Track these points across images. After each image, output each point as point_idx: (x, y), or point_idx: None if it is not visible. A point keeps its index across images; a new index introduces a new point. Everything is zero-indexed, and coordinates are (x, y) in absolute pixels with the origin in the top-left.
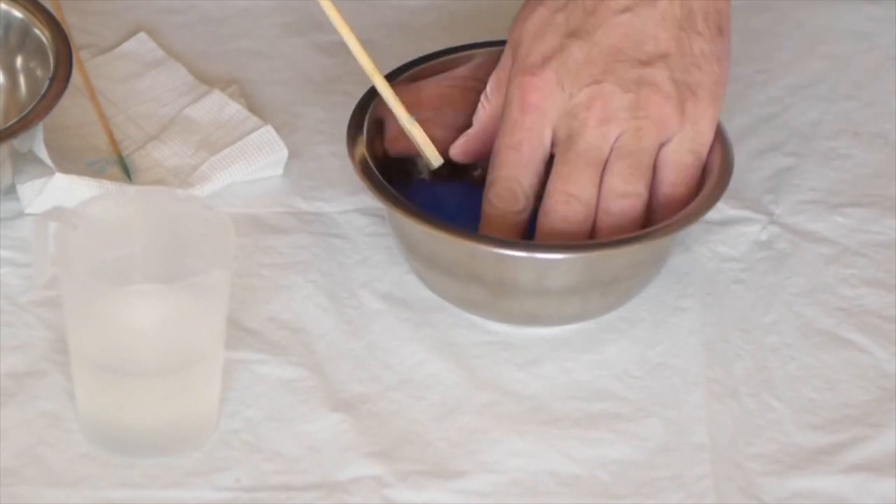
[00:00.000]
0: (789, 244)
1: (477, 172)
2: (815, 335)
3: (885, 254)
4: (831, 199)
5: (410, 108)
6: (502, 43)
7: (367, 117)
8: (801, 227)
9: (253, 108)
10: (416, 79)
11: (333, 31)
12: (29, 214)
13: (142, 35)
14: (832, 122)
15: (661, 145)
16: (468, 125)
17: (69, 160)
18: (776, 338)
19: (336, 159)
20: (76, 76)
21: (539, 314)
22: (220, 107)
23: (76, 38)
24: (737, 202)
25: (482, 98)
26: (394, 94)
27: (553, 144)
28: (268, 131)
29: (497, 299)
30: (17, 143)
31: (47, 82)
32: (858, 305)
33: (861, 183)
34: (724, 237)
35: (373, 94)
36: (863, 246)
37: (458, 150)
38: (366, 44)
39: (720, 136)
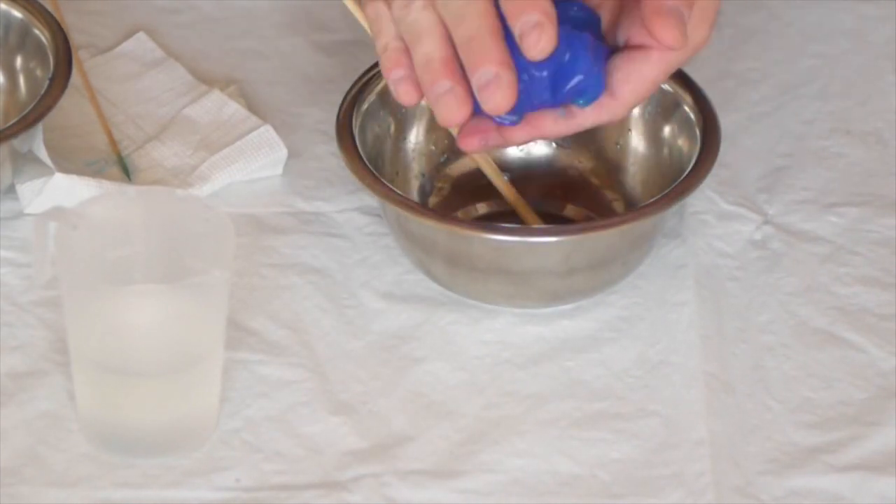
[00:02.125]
0: (783, 244)
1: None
2: (810, 334)
3: (880, 252)
4: (824, 198)
5: None
6: None
7: (356, 113)
8: (795, 227)
9: (252, 108)
10: None
11: (333, 30)
12: (29, 214)
13: (141, 35)
14: (825, 121)
15: None
16: None
17: (69, 160)
18: (771, 337)
19: (335, 159)
20: (76, 76)
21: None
22: (219, 107)
23: (75, 38)
24: (731, 198)
25: None
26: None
27: None
28: (267, 131)
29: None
30: (17, 143)
31: (47, 82)
32: (853, 304)
33: (854, 182)
34: (719, 231)
35: (357, 91)
36: (857, 244)
37: None
38: (365, 44)
39: (708, 111)
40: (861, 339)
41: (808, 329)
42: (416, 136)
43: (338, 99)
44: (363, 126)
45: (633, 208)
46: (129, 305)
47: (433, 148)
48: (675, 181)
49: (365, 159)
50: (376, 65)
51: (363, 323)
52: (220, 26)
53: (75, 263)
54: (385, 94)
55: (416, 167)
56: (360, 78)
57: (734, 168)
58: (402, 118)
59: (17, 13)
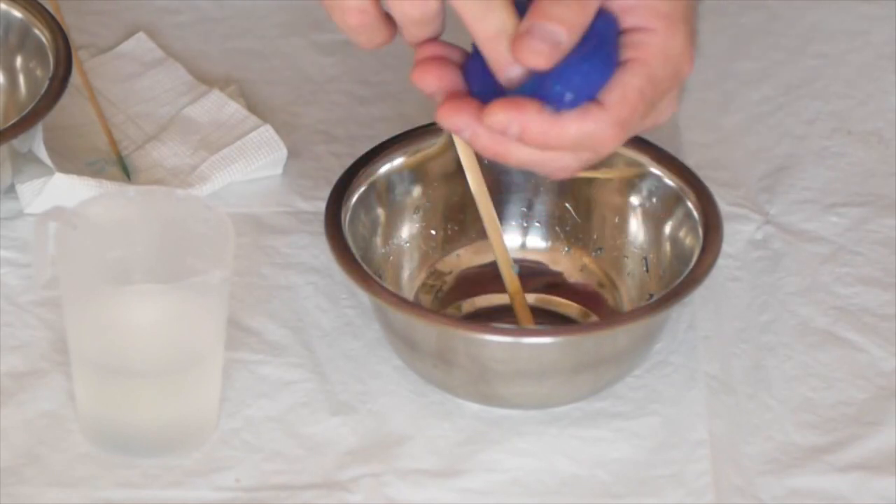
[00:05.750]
0: (784, 244)
1: None
2: (811, 334)
3: (881, 252)
4: (825, 198)
5: None
6: None
7: (347, 203)
8: (796, 227)
9: (252, 108)
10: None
11: (333, 30)
12: (29, 214)
13: (141, 35)
14: (826, 121)
15: None
16: None
17: (69, 160)
18: (772, 337)
19: (335, 158)
20: (76, 76)
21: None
22: (219, 106)
23: (75, 38)
24: (732, 198)
25: None
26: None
27: None
28: (267, 131)
29: (477, 383)
30: (16, 143)
31: (47, 82)
32: (854, 304)
33: (855, 181)
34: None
35: (351, 174)
36: (858, 244)
37: None
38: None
39: (711, 207)
40: (862, 339)
41: (809, 329)
42: (408, 229)
43: (338, 99)
44: (353, 217)
45: (630, 305)
46: (129, 305)
47: (432, 232)
48: (676, 279)
49: (353, 250)
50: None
51: (363, 323)
52: (220, 26)
53: (75, 263)
54: (375, 184)
55: (408, 260)
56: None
57: (735, 168)
58: (394, 209)
59: (17, 13)
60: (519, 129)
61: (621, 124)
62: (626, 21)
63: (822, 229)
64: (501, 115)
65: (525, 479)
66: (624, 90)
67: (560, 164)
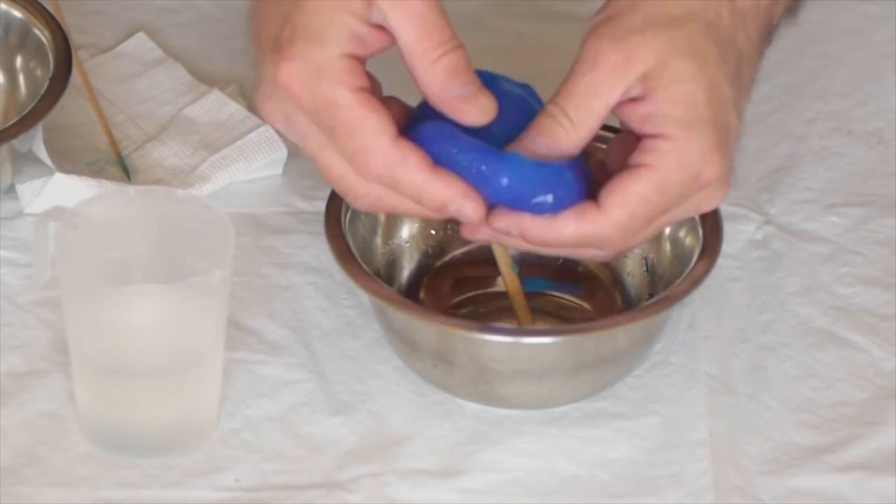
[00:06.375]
0: (784, 244)
1: None
2: (811, 334)
3: (881, 252)
4: (825, 198)
5: None
6: None
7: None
8: (796, 227)
9: (252, 108)
10: None
11: None
12: (29, 214)
13: (141, 35)
14: (826, 121)
15: None
16: None
17: (69, 160)
18: (772, 337)
19: None
20: (76, 76)
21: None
22: (219, 106)
23: (75, 38)
24: (733, 198)
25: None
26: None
27: None
28: (267, 130)
29: (477, 383)
30: (17, 143)
31: (47, 82)
32: (854, 304)
33: (855, 182)
34: None
35: None
36: (858, 244)
37: None
38: None
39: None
40: (862, 339)
41: (809, 329)
42: (408, 229)
43: None
44: (353, 217)
45: (632, 302)
46: (129, 305)
47: (432, 232)
48: (676, 279)
49: (353, 250)
50: None
51: (363, 323)
52: (220, 26)
53: (75, 263)
54: None
55: (408, 260)
56: None
57: (735, 168)
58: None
59: (17, 13)
60: (519, 232)
61: (621, 226)
62: (645, 129)
63: (822, 229)
64: (502, 221)
65: (525, 479)
66: (624, 194)
67: (584, 255)
